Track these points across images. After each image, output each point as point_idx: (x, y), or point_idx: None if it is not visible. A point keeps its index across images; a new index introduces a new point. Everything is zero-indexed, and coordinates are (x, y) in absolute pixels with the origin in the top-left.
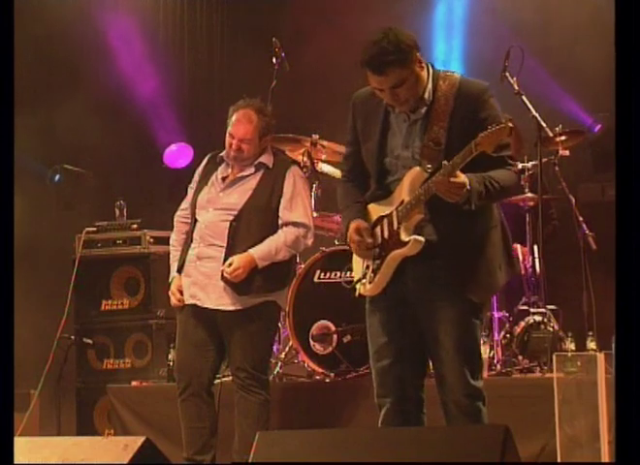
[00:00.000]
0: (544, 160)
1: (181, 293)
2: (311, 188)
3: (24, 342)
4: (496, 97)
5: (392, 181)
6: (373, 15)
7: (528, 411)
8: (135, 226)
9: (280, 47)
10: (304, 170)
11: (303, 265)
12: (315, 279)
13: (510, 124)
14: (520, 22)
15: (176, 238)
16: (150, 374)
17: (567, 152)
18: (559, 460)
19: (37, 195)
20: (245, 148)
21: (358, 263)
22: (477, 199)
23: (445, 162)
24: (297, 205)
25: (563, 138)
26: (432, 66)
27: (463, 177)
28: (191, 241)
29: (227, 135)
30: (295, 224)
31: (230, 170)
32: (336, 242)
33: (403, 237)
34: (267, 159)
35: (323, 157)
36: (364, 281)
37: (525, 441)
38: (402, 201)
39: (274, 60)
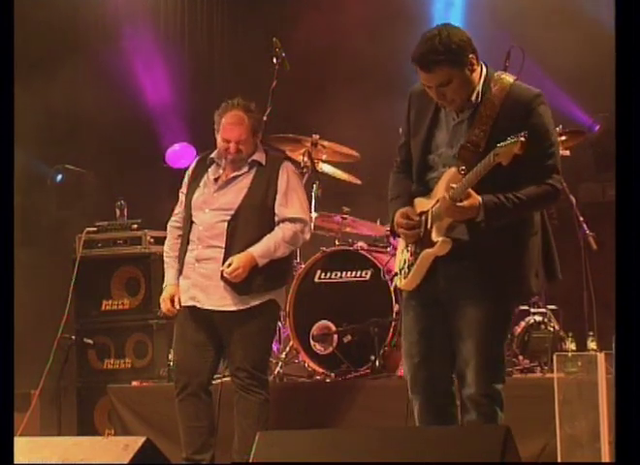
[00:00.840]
0: None
1: (173, 302)
2: (312, 188)
3: (25, 342)
4: None
5: (431, 178)
6: (373, 11)
7: (529, 411)
8: (135, 226)
9: (281, 47)
10: (305, 170)
11: (303, 265)
12: (316, 279)
13: (522, 138)
14: (519, 20)
15: (170, 245)
16: (151, 374)
17: (568, 152)
18: (559, 460)
19: (37, 195)
20: (244, 149)
21: (399, 256)
22: (490, 217)
23: (453, 185)
24: (292, 201)
25: (563, 138)
26: (487, 67)
27: (470, 200)
28: (187, 243)
29: (220, 139)
30: (292, 220)
31: (221, 171)
32: (337, 242)
33: (434, 237)
34: (260, 156)
35: (323, 157)
36: (400, 275)
37: (525, 441)
38: (438, 201)
39: (275, 60)
